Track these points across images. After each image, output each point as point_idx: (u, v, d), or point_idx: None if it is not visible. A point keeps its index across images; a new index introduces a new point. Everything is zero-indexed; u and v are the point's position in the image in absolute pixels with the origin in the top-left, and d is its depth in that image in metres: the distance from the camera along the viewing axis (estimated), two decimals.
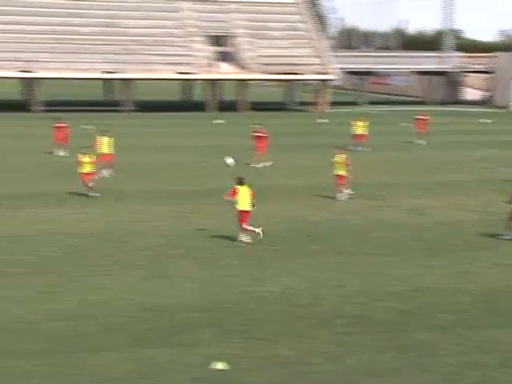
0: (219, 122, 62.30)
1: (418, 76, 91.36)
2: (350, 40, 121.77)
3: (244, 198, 22.66)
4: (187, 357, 14.41)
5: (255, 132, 39.60)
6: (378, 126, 52.18)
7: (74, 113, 64.28)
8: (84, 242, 22.69)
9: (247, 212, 22.76)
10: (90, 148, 30.26)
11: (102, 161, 34.76)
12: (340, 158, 30.21)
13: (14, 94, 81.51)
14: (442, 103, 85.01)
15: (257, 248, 22.33)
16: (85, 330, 15.63)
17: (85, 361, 14.12)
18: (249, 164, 37.90)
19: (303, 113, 76.30)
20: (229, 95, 79.63)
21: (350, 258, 21.37)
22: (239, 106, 75.11)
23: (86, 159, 29.82)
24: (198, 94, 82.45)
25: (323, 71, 76.97)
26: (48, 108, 66.85)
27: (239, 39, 78.14)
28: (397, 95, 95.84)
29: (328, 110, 75.88)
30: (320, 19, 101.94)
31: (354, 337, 15.58)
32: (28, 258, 20.82)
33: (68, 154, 39.36)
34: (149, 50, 74.07)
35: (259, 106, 75.64)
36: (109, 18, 76.29)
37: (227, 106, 73.81)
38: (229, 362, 14.05)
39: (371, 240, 23.59)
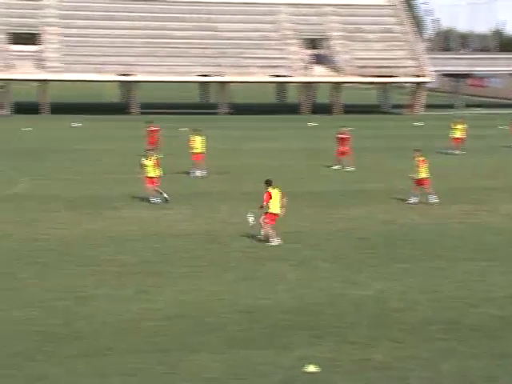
0: (313, 124, 62.31)
1: None
2: (447, 42, 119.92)
3: (275, 201, 23.06)
4: (279, 358, 14.49)
5: (339, 134, 39.26)
6: (475, 129, 51.25)
7: (170, 115, 65.36)
8: (178, 242, 23.04)
9: (276, 215, 23.04)
10: (153, 150, 30.40)
11: (195, 160, 35.40)
12: (417, 160, 29.87)
13: (114, 96, 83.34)
14: None
15: (349, 251, 22.27)
16: (179, 329, 15.89)
17: (179, 360, 14.35)
18: (343, 168, 37.88)
19: (398, 115, 75.59)
20: (323, 98, 79.53)
21: (446, 263, 21.08)
22: (333, 109, 74.93)
23: (149, 162, 29.53)
24: (292, 97, 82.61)
25: (419, 73, 76.09)
26: (146, 111, 68.12)
27: (334, 42, 77.93)
28: (495, 98, 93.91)
29: (423, 112, 74.99)
30: (416, 21, 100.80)
31: (449, 343, 15.37)
32: (127, 257, 21.29)
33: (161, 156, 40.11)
34: (244, 53, 74.63)
35: (353, 109, 75.32)
36: (205, 22, 77.19)
37: (321, 109, 73.74)
38: (321, 365, 14.07)
39: (467, 245, 23.22)
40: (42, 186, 32.71)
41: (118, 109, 73.60)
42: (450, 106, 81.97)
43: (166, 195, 29.10)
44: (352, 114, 71.42)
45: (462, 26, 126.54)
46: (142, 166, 29.66)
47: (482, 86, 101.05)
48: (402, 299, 17.95)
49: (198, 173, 35.42)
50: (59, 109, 68.76)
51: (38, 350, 14.68)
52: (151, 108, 69.97)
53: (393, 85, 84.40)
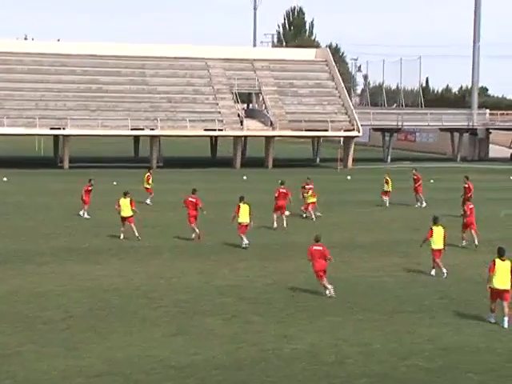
0: (245, 178, 62.62)
1: (444, 133, 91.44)
2: (377, 97, 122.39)
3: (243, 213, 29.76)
4: None
5: (281, 188, 39.34)
6: (404, 182, 52.01)
7: (103, 169, 64.99)
8: (109, 298, 22.73)
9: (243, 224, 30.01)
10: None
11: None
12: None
13: (45, 150, 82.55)
14: (470, 160, 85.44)
15: (282, 304, 22.23)
16: None
17: None
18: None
19: (329, 169, 76.41)
20: (255, 151, 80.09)
21: (376, 316, 21.19)
22: (266, 163, 75.47)
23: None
24: (224, 151, 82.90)
25: (350, 128, 77.28)
26: (78, 164, 67.61)
27: (266, 96, 78.76)
28: (424, 152, 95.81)
29: (354, 166, 75.97)
30: (346, 77, 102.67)
31: None
32: (53, 313, 20.88)
33: (88, 217, 38.85)
34: (177, 107, 74.90)
35: (285, 163, 76.00)
36: (138, 76, 77.38)
37: (253, 163, 74.22)
38: None
39: (395, 298, 23.40)
40: None
41: (50, 163, 72.89)
42: (381, 160, 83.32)
43: None
44: (284, 167, 72.05)
45: (392, 81, 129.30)
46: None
47: (410, 141, 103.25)
48: (333, 352, 17.96)
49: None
50: None
51: None
52: (84, 162, 69.55)
53: (325, 138, 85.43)
